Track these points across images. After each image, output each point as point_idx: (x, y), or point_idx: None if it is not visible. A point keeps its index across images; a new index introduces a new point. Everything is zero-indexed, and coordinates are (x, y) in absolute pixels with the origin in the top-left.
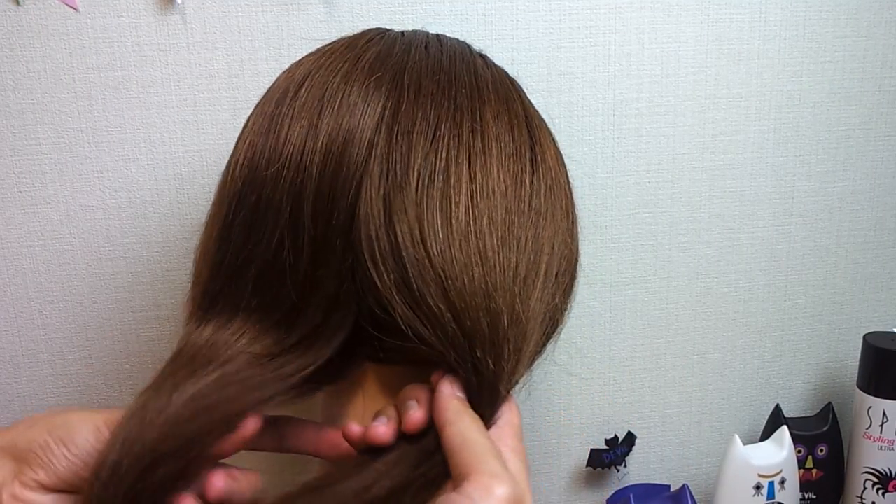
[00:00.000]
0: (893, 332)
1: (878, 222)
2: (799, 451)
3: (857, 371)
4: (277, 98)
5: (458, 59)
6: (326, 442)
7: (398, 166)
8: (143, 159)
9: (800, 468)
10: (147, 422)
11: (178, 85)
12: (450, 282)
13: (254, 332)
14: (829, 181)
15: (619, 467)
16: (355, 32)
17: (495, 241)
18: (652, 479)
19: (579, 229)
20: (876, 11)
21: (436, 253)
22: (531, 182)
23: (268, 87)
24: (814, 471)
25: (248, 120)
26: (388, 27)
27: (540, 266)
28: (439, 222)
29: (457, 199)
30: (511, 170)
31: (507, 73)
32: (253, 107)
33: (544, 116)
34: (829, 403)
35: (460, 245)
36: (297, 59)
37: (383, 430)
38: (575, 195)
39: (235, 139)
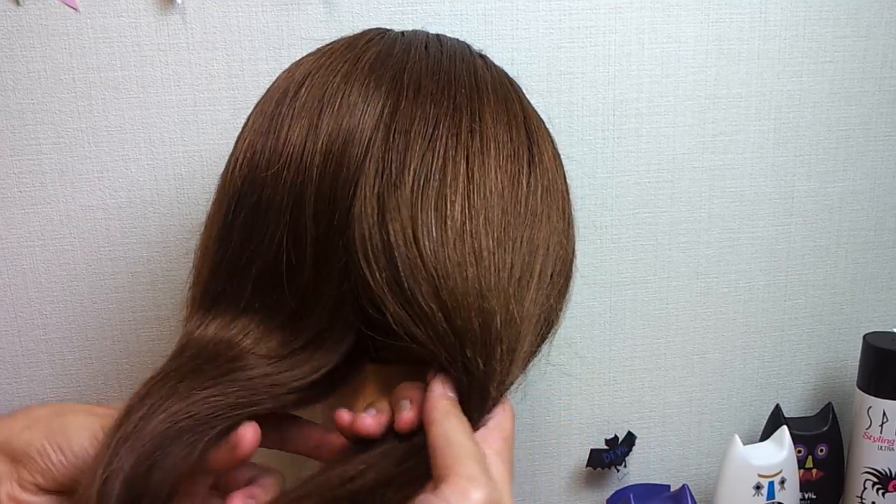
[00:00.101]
0: (893, 332)
1: (878, 222)
2: (799, 451)
3: (857, 371)
4: (277, 98)
5: (457, 59)
6: (327, 444)
7: (394, 165)
8: (143, 159)
9: (800, 468)
10: (143, 430)
11: (178, 85)
12: (442, 280)
13: (258, 332)
14: (829, 181)
15: (619, 467)
16: (355, 32)
17: (491, 241)
18: (652, 479)
19: (578, 229)
20: (876, 11)
21: (428, 252)
22: (528, 183)
23: (268, 87)
24: (814, 471)
25: (248, 119)
26: (388, 27)
27: (535, 267)
28: (433, 221)
29: (453, 199)
30: (509, 171)
31: (506, 74)
32: (253, 107)
33: (544, 116)
34: (829, 403)
35: (454, 244)
36: (297, 59)
37: (370, 421)
38: (575, 195)
39: (235, 139)
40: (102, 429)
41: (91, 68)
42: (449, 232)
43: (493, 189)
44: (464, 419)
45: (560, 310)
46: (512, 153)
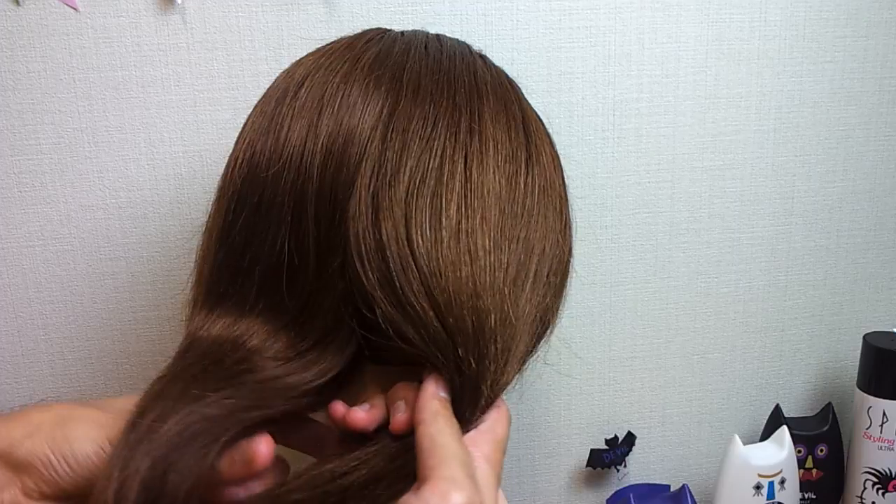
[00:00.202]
0: (893, 332)
1: (878, 222)
2: (799, 451)
3: (857, 371)
4: (277, 97)
5: (457, 59)
6: (328, 441)
7: (390, 164)
8: (143, 159)
9: (800, 468)
10: (157, 432)
11: (178, 85)
12: (434, 279)
13: (264, 333)
14: (829, 181)
15: (619, 467)
16: (355, 32)
17: (487, 240)
18: (652, 479)
19: (578, 229)
20: (876, 11)
21: (421, 250)
22: (525, 183)
23: (268, 87)
24: (814, 471)
25: (248, 119)
26: (388, 27)
27: (530, 267)
28: (427, 220)
29: (449, 197)
30: (506, 171)
31: (506, 74)
32: (253, 107)
33: (544, 117)
34: (829, 403)
35: (449, 243)
36: (297, 59)
37: (362, 415)
38: (575, 195)
39: (235, 139)
40: (107, 438)
41: (91, 68)
42: (443, 231)
43: (491, 189)
44: (453, 421)
45: (557, 310)
46: (510, 153)
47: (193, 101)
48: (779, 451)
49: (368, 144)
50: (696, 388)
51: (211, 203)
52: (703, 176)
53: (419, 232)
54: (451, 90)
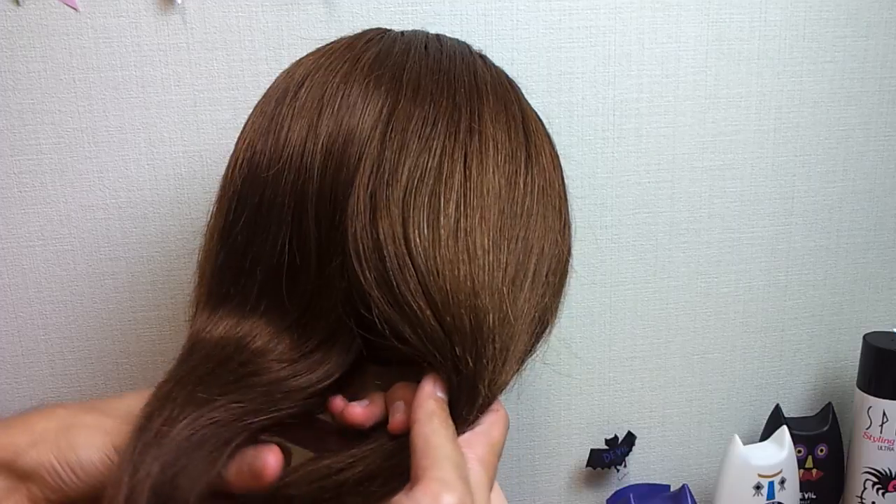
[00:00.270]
0: (893, 332)
1: (878, 222)
2: (799, 451)
3: (857, 371)
4: (277, 97)
5: (457, 58)
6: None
7: (388, 164)
8: (143, 159)
9: (800, 468)
10: (166, 436)
11: (178, 85)
12: (431, 278)
13: (268, 334)
14: (829, 181)
15: (619, 467)
16: (355, 32)
17: (486, 240)
18: (652, 479)
19: (578, 229)
20: (876, 11)
21: (419, 250)
22: (524, 183)
23: (268, 87)
24: (814, 471)
25: (248, 119)
26: (388, 27)
27: (529, 266)
28: (425, 219)
29: (447, 196)
30: (506, 171)
31: (506, 74)
32: (253, 107)
33: (544, 117)
34: (829, 403)
35: (447, 242)
36: (297, 59)
37: (359, 410)
38: (575, 195)
39: (236, 139)
40: (113, 444)
41: (91, 68)
42: (441, 230)
43: (491, 189)
44: (448, 422)
45: (556, 309)
46: (510, 153)
47: (193, 101)
48: (779, 451)
49: (368, 144)
50: (696, 388)
51: (212, 203)
52: (703, 176)
53: (417, 230)
54: (451, 90)
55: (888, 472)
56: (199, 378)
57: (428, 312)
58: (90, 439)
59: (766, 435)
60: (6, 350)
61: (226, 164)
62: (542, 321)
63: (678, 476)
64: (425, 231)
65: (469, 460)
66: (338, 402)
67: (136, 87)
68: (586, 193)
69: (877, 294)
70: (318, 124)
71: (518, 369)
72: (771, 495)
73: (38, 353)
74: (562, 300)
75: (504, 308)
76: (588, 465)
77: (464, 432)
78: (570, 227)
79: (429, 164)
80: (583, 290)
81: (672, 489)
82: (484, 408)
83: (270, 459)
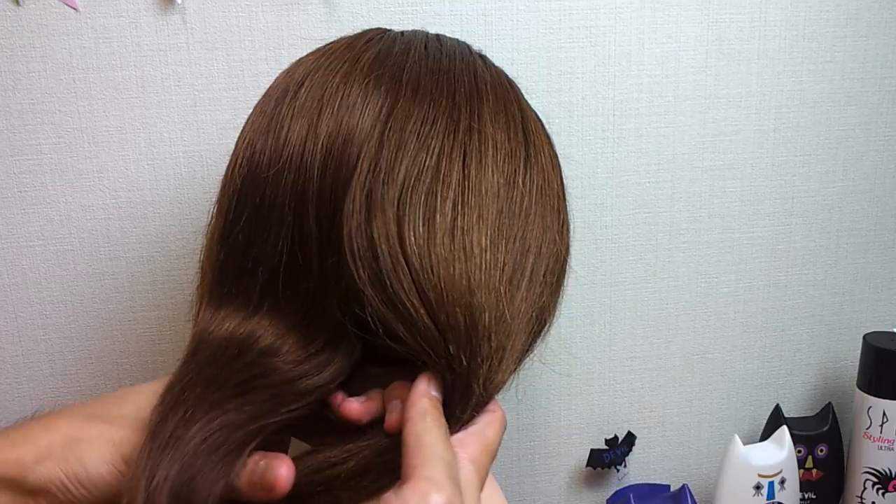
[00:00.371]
0: (893, 332)
1: (878, 222)
2: (799, 451)
3: (857, 371)
4: (277, 97)
5: (457, 58)
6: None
7: (385, 162)
8: (143, 159)
9: (800, 468)
10: (182, 439)
11: (178, 85)
12: (425, 276)
13: (272, 336)
14: (829, 181)
15: (619, 467)
16: (355, 32)
17: (484, 238)
18: (652, 479)
19: (578, 230)
20: (876, 11)
21: (413, 248)
22: (523, 182)
23: (268, 86)
24: (814, 471)
25: (248, 119)
26: (388, 27)
27: (526, 265)
28: (421, 217)
29: (444, 195)
30: (505, 171)
31: (506, 75)
32: (253, 107)
33: (544, 117)
34: (829, 403)
35: (443, 240)
36: (298, 58)
37: (355, 406)
38: (575, 195)
39: (236, 139)
40: (121, 455)
41: (91, 68)
42: (437, 228)
43: (489, 188)
44: (441, 420)
45: (554, 308)
46: (509, 153)
47: (193, 101)
48: (779, 451)
49: (366, 143)
50: (696, 388)
51: (212, 203)
52: (703, 176)
53: (412, 229)
54: (451, 90)
55: (888, 472)
56: (209, 379)
57: (422, 311)
58: (98, 451)
59: (766, 435)
60: (6, 350)
61: (226, 164)
62: (540, 320)
63: (678, 476)
64: (420, 229)
65: (460, 459)
66: (337, 396)
67: (136, 87)
68: (586, 193)
69: (877, 294)
70: (317, 124)
71: (515, 369)
72: (771, 495)
73: (38, 353)
74: (560, 299)
75: (501, 307)
76: (588, 465)
77: (458, 431)
78: (568, 227)
79: (427, 163)
80: (583, 290)
81: (672, 489)
82: (479, 407)
83: (283, 471)
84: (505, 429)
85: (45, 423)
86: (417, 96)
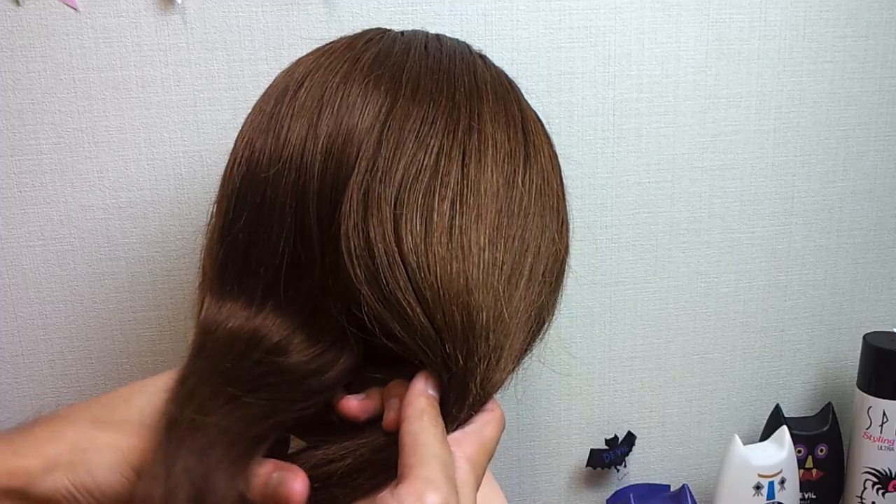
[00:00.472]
0: (893, 332)
1: (878, 222)
2: (799, 451)
3: (857, 371)
4: (276, 96)
5: (457, 58)
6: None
7: (383, 161)
8: (143, 159)
9: (800, 468)
10: (198, 432)
11: (178, 85)
12: (422, 275)
13: (279, 333)
14: (829, 181)
15: (619, 467)
16: (355, 32)
17: (482, 238)
18: (652, 479)
19: (578, 229)
20: (876, 11)
21: (410, 247)
22: (522, 182)
23: (267, 86)
24: (814, 471)
25: (248, 118)
26: (388, 27)
27: (525, 265)
28: (419, 216)
29: (443, 194)
30: (505, 170)
31: (505, 75)
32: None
33: (544, 117)
34: (829, 403)
35: (440, 239)
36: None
37: (354, 403)
38: (575, 195)
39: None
40: (129, 464)
41: (91, 68)
42: (435, 227)
43: (488, 187)
44: (438, 420)
45: (553, 307)
46: (509, 152)
47: (193, 101)
48: (779, 451)
49: (365, 143)
50: (696, 388)
51: (212, 203)
52: (703, 176)
53: (409, 227)
54: (451, 89)
55: (888, 472)
56: (222, 374)
57: (418, 309)
58: (106, 461)
59: (766, 435)
60: (6, 350)
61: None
62: (539, 320)
63: (678, 476)
64: (418, 228)
65: (457, 459)
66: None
67: (136, 87)
68: (586, 193)
69: (877, 294)
70: (317, 124)
71: (514, 368)
72: (771, 495)
73: (38, 353)
74: (559, 299)
75: (499, 306)
76: (588, 465)
77: (454, 430)
78: (568, 227)
79: (425, 162)
80: (583, 290)
81: (672, 489)
82: (476, 406)
83: (297, 486)
84: (503, 428)
85: (50, 431)
86: (417, 96)
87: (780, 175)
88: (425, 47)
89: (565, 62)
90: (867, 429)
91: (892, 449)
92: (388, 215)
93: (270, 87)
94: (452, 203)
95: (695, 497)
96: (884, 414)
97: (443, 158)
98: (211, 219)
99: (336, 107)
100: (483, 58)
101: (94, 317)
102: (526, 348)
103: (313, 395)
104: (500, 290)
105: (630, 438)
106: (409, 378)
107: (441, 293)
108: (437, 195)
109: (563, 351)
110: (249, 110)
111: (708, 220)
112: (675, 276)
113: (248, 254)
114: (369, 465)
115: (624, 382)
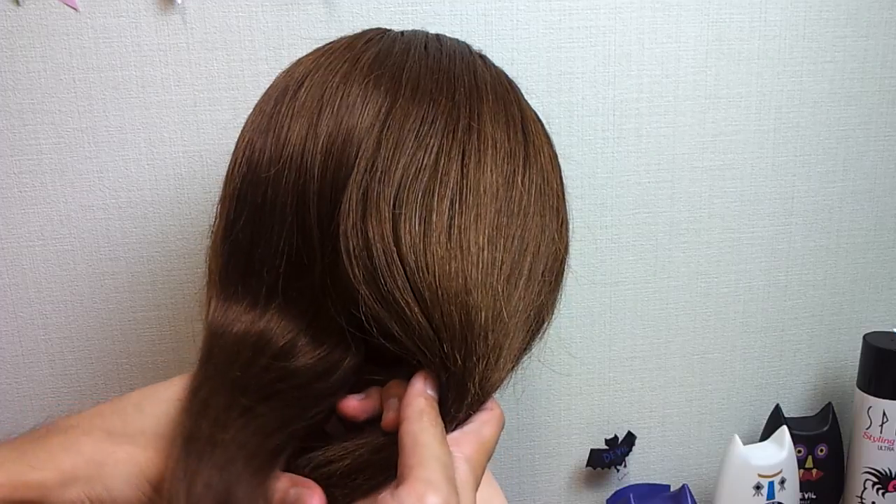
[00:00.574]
0: (893, 332)
1: (878, 222)
2: (799, 451)
3: (857, 371)
4: (277, 96)
5: (457, 58)
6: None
7: (382, 161)
8: (143, 159)
9: (800, 468)
10: (217, 443)
11: (178, 85)
12: (420, 274)
13: (284, 336)
14: (829, 181)
15: (619, 467)
16: (355, 32)
17: (482, 237)
18: (652, 479)
19: (578, 229)
20: (876, 11)
21: (408, 247)
22: (522, 182)
23: (268, 86)
24: (814, 471)
25: (248, 118)
26: (388, 27)
27: (524, 264)
28: (417, 216)
29: (442, 194)
30: (504, 170)
31: (505, 75)
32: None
33: (544, 117)
34: (829, 403)
35: (439, 238)
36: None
37: (353, 403)
38: (575, 195)
39: (236, 139)
40: (146, 478)
41: (91, 68)
42: (434, 226)
43: (488, 187)
44: (438, 420)
45: (552, 307)
46: (508, 152)
47: (193, 101)
48: (779, 451)
49: (365, 142)
50: (696, 388)
51: (214, 203)
52: (703, 176)
53: (408, 227)
54: (451, 89)
55: (888, 472)
56: (233, 382)
57: (416, 309)
58: (124, 475)
59: (766, 435)
60: (6, 350)
61: (226, 164)
62: (539, 319)
63: (678, 476)
64: (417, 227)
65: (456, 459)
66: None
67: (136, 87)
68: (586, 193)
69: (877, 294)
70: (317, 124)
71: (513, 368)
72: (771, 495)
73: (38, 353)
74: (559, 298)
75: (498, 305)
76: (588, 465)
77: (453, 430)
78: (567, 226)
79: (424, 162)
80: (583, 290)
81: (672, 489)
82: (475, 406)
83: (315, 502)
84: (503, 427)
85: (64, 442)
86: (417, 96)
87: (780, 175)
88: (425, 47)
89: (565, 62)
90: (867, 429)
91: (892, 449)
92: (386, 215)
93: (271, 87)
94: (452, 203)
95: (695, 497)
96: (884, 414)
97: (442, 158)
98: (215, 219)
99: (336, 107)
100: (483, 58)
101: (94, 317)
102: (525, 348)
103: (322, 400)
104: (499, 290)
105: (630, 438)
106: (408, 378)
107: (439, 293)
108: (436, 195)
109: (563, 351)
110: (250, 110)
111: (708, 220)
112: (675, 276)
113: (251, 254)
114: (369, 465)
115: (624, 382)
